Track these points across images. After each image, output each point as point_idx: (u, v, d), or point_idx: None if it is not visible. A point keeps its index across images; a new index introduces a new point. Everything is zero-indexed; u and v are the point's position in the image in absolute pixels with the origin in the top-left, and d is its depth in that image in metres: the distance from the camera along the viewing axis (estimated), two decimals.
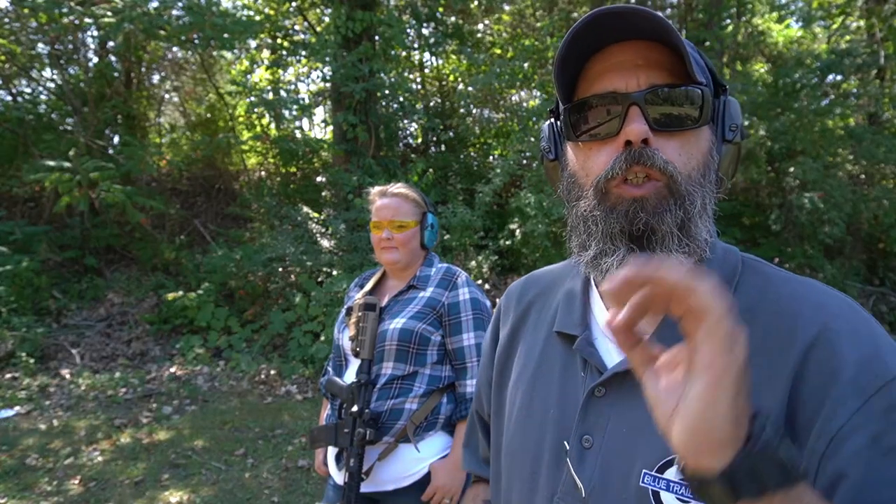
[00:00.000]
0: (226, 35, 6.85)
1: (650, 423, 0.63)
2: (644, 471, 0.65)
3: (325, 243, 6.62)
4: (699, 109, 0.67)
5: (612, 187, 0.67)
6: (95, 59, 8.79)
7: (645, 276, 0.47)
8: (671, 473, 0.64)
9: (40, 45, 8.12)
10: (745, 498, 0.47)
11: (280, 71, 9.67)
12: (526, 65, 7.73)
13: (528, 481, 0.77)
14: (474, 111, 9.89)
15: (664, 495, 0.64)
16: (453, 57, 9.65)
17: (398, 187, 1.86)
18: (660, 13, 0.67)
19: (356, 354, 1.74)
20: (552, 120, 0.79)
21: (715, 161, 0.71)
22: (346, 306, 1.91)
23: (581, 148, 0.71)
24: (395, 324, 1.71)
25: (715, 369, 0.45)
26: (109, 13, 6.33)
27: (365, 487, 1.66)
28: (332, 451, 1.78)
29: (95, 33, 8.02)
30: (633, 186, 0.66)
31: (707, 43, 8.46)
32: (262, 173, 9.82)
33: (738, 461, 0.46)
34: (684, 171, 0.66)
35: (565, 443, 0.73)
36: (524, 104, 8.77)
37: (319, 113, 10.48)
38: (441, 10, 8.87)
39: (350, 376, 1.76)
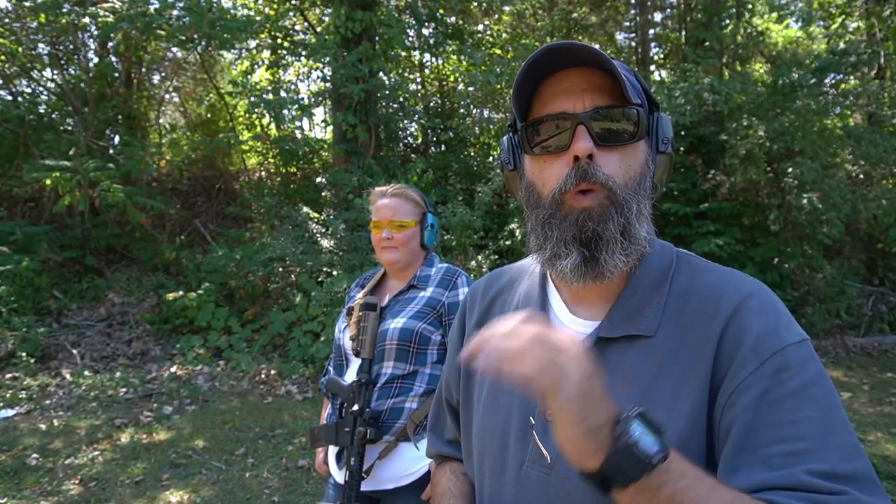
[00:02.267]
0: (225, 35, 6.85)
1: None
2: None
3: (325, 243, 6.62)
4: (635, 126, 0.79)
5: (566, 199, 0.78)
6: (96, 60, 8.80)
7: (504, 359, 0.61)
8: None
9: (41, 45, 8.13)
10: (615, 488, 0.61)
11: (280, 71, 9.68)
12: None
13: (500, 454, 0.87)
14: (474, 111, 9.90)
15: None
16: (453, 57, 9.66)
17: (398, 187, 1.87)
18: (597, 48, 0.79)
19: (357, 354, 1.75)
20: (510, 134, 0.90)
21: (650, 170, 0.83)
22: (346, 306, 1.91)
23: (536, 160, 0.83)
24: (396, 323, 1.72)
25: (561, 415, 0.60)
26: (108, 14, 6.34)
27: (365, 486, 1.66)
28: (332, 450, 1.79)
29: (95, 33, 8.03)
30: (581, 196, 0.78)
31: (707, 43, 8.46)
32: (263, 173, 9.83)
33: (604, 464, 0.60)
34: (622, 182, 0.78)
35: (531, 418, 0.83)
36: None
37: (319, 113, 10.50)
38: (441, 11, 8.87)
39: (351, 375, 1.77)
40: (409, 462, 1.69)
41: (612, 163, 0.78)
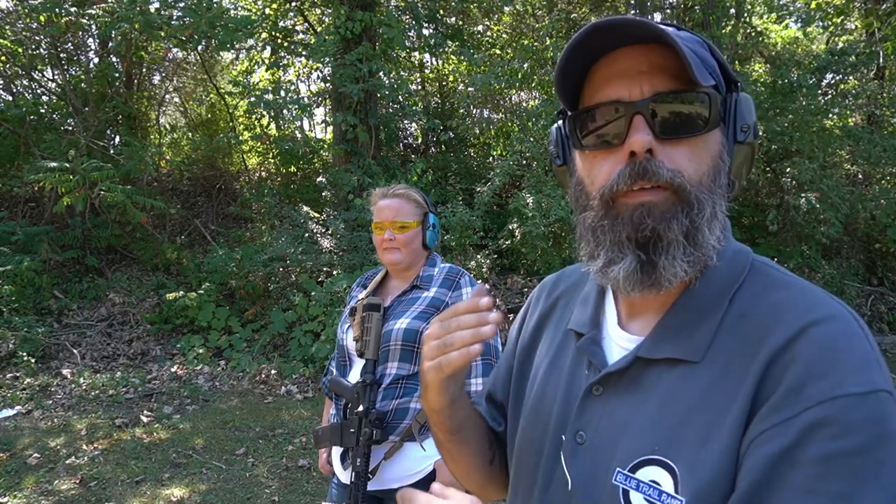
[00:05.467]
0: (220, 31, 6.83)
1: (632, 422, 0.68)
2: (618, 469, 0.67)
3: (325, 243, 6.63)
4: (706, 114, 0.66)
5: (618, 197, 0.67)
6: (96, 60, 8.80)
7: None
8: (642, 474, 0.65)
9: (41, 45, 8.13)
10: None
11: (280, 72, 9.70)
12: (525, 65, 7.75)
13: (532, 471, 0.79)
14: (474, 112, 9.91)
15: (633, 494, 0.65)
16: (453, 58, 9.67)
17: (400, 188, 1.88)
18: (658, 21, 0.69)
19: (361, 354, 1.76)
20: (560, 122, 0.78)
21: (726, 164, 0.69)
22: (348, 306, 1.92)
23: (587, 155, 0.71)
24: (400, 324, 1.73)
25: None
26: (107, 14, 6.34)
27: (370, 486, 1.67)
28: (336, 451, 1.80)
29: (96, 33, 8.03)
30: (640, 192, 0.66)
31: None
32: (263, 173, 9.84)
33: None
34: (694, 178, 0.66)
35: (562, 437, 0.75)
36: (524, 104, 8.79)
37: (319, 113, 10.52)
38: (441, 11, 8.89)
39: (354, 376, 1.78)
40: (414, 462, 1.70)
41: (679, 157, 0.65)
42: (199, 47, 7.84)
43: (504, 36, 10.42)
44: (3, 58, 7.76)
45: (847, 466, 0.53)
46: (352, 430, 1.67)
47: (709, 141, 0.67)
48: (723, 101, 0.69)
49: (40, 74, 8.55)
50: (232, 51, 8.94)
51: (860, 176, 8.26)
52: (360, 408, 1.67)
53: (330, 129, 9.10)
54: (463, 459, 0.92)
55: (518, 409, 0.88)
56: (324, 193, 7.65)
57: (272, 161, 9.62)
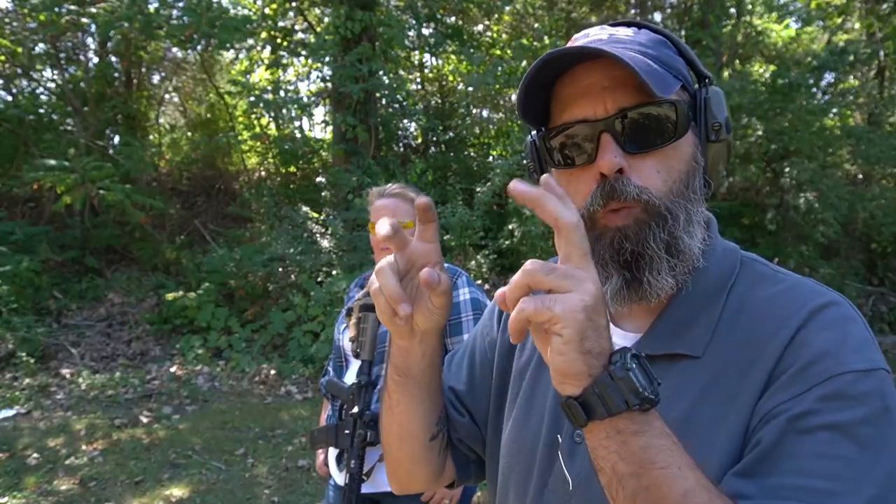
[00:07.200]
0: (218, 30, 6.82)
1: None
2: None
3: (325, 243, 6.63)
4: (673, 124, 0.66)
5: (597, 217, 0.68)
6: (96, 59, 8.80)
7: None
8: None
9: (41, 45, 8.13)
10: (594, 418, 0.54)
11: (280, 71, 9.69)
12: (524, 63, 7.74)
13: (525, 471, 0.78)
14: (474, 111, 9.90)
15: None
16: (453, 57, 9.67)
17: (396, 188, 1.87)
18: (620, 21, 0.70)
19: (356, 355, 1.75)
20: (532, 136, 0.78)
21: (699, 166, 0.70)
22: (346, 307, 1.92)
23: (562, 173, 0.72)
24: None
25: (564, 326, 0.51)
26: (107, 14, 6.34)
27: (365, 488, 1.66)
28: (332, 452, 1.79)
29: (95, 33, 8.04)
30: (614, 214, 0.67)
31: (704, 42, 8.48)
32: (262, 173, 9.83)
33: (587, 390, 0.53)
34: (664, 189, 0.67)
35: (558, 437, 0.75)
36: None
37: (319, 113, 10.50)
38: (441, 11, 8.88)
39: (350, 377, 1.77)
40: None
41: (648, 170, 0.66)
42: (199, 47, 7.83)
43: (504, 36, 10.41)
44: (2, 57, 7.76)
45: (854, 434, 0.57)
46: (347, 431, 1.66)
47: (680, 147, 0.68)
48: (692, 100, 0.70)
49: (39, 74, 8.55)
50: (231, 50, 8.94)
51: (860, 176, 8.25)
52: (355, 409, 1.66)
53: (330, 128, 9.09)
54: (402, 414, 0.83)
55: (502, 405, 0.87)
56: (323, 193, 7.65)
57: (271, 161, 9.61)
